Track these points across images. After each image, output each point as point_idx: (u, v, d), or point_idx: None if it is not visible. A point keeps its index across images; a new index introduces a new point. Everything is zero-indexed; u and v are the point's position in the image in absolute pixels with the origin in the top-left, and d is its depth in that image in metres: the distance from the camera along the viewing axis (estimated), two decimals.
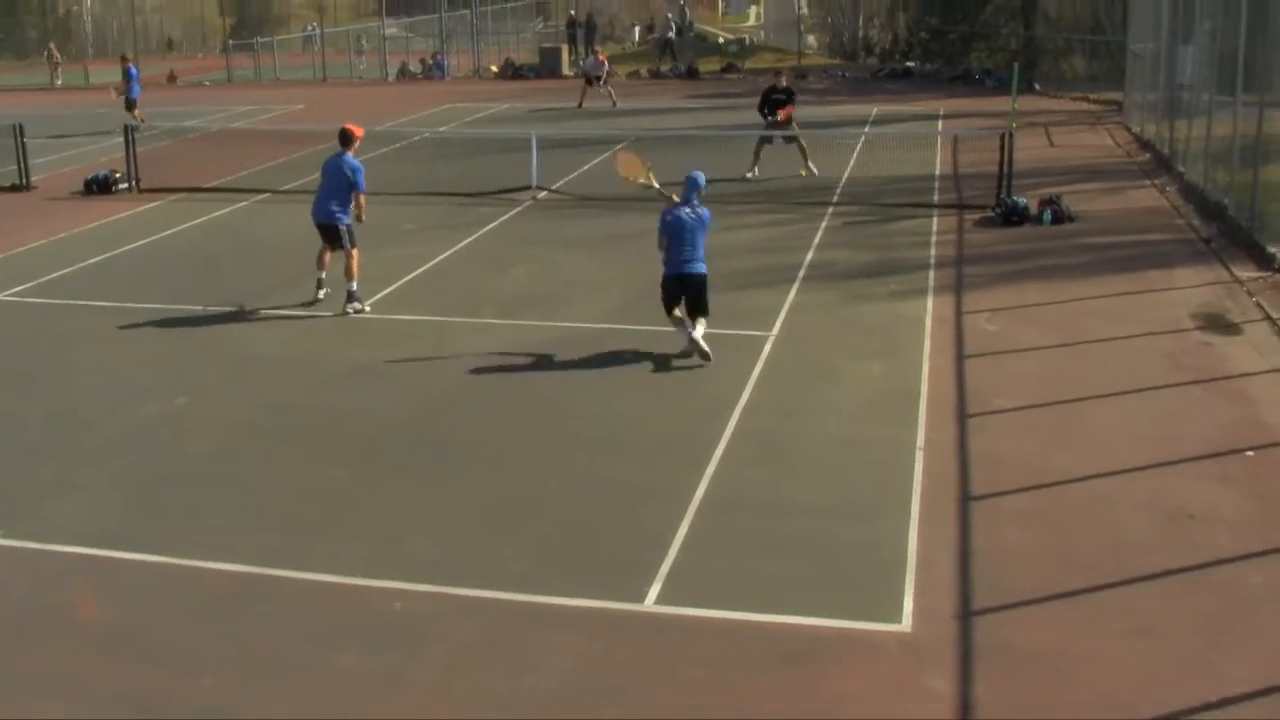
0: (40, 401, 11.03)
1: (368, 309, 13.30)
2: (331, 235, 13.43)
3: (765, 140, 20.75)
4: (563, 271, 15.01)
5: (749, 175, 20.49)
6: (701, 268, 11.53)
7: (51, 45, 47.50)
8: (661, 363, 11.55)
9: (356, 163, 13.37)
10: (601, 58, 33.72)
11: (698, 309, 11.55)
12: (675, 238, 11.46)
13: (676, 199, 11.71)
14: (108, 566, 7.91)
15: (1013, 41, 36.43)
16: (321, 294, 13.59)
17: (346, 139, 13.42)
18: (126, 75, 29.40)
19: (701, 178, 11.78)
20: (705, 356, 11.29)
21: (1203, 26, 18.48)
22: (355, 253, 13.36)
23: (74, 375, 11.66)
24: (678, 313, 11.58)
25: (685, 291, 11.53)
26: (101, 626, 7.25)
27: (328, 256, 13.65)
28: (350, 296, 13.28)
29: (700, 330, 11.40)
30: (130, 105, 28.91)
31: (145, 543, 8.15)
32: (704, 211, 11.59)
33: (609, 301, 13.51)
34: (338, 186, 13.33)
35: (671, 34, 44.36)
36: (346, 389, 11.14)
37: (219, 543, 8.13)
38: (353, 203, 13.40)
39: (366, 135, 14.05)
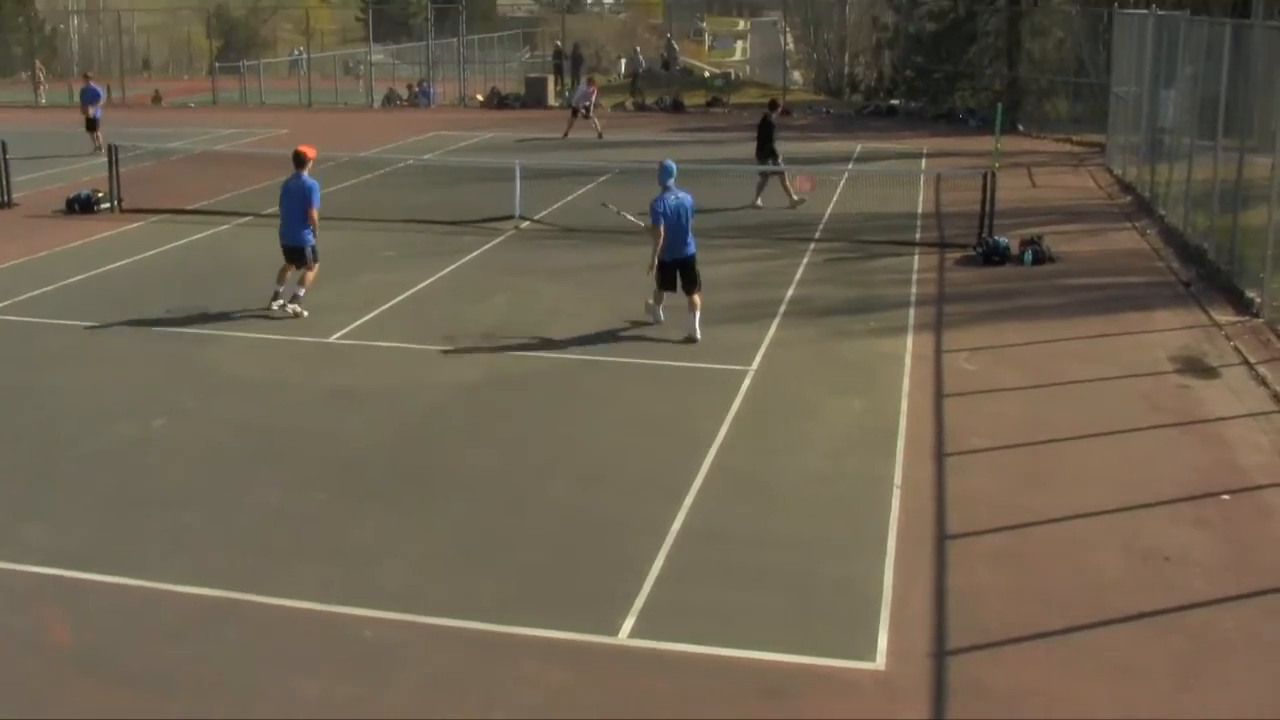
0: (15, 420, 10.96)
1: (305, 314, 13.92)
2: (298, 256, 14.22)
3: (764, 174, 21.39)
4: (544, 301, 15.00)
5: (758, 204, 21.17)
6: (693, 248, 13.18)
7: (37, 62, 47.36)
8: (641, 394, 11.56)
9: (313, 182, 14.17)
10: (593, 87, 33.75)
11: (693, 284, 13.15)
12: (670, 224, 12.83)
13: (644, 220, 13.11)
14: (79, 588, 7.85)
15: (997, 82, 36.66)
16: (275, 305, 14.20)
17: (301, 160, 14.23)
18: (86, 95, 28.99)
19: (673, 164, 13.21)
20: (692, 340, 12.86)
21: (1184, 71, 18.64)
22: (315, 266, 14.26)
23: (50, 395, 11.59)
24: (655, 301, 13.32)
25: (680, 269, 13.11)
26: (73, 648, 7.18)
27: (289, 274, 14.40)
28: (295, 298, 14.06)
29: (697, 310, 12.99)
30: (91, 125, 28.47)
31: (118, 565, 8.10)
32: (685, 196, 13.11)
33: (590, 332, 13.49)
34: (300, 207, 14.06)
35: (640, 69, 44.73)
36: (324, 414, 11.11)
37: (192, 566, 8.08)
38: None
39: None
